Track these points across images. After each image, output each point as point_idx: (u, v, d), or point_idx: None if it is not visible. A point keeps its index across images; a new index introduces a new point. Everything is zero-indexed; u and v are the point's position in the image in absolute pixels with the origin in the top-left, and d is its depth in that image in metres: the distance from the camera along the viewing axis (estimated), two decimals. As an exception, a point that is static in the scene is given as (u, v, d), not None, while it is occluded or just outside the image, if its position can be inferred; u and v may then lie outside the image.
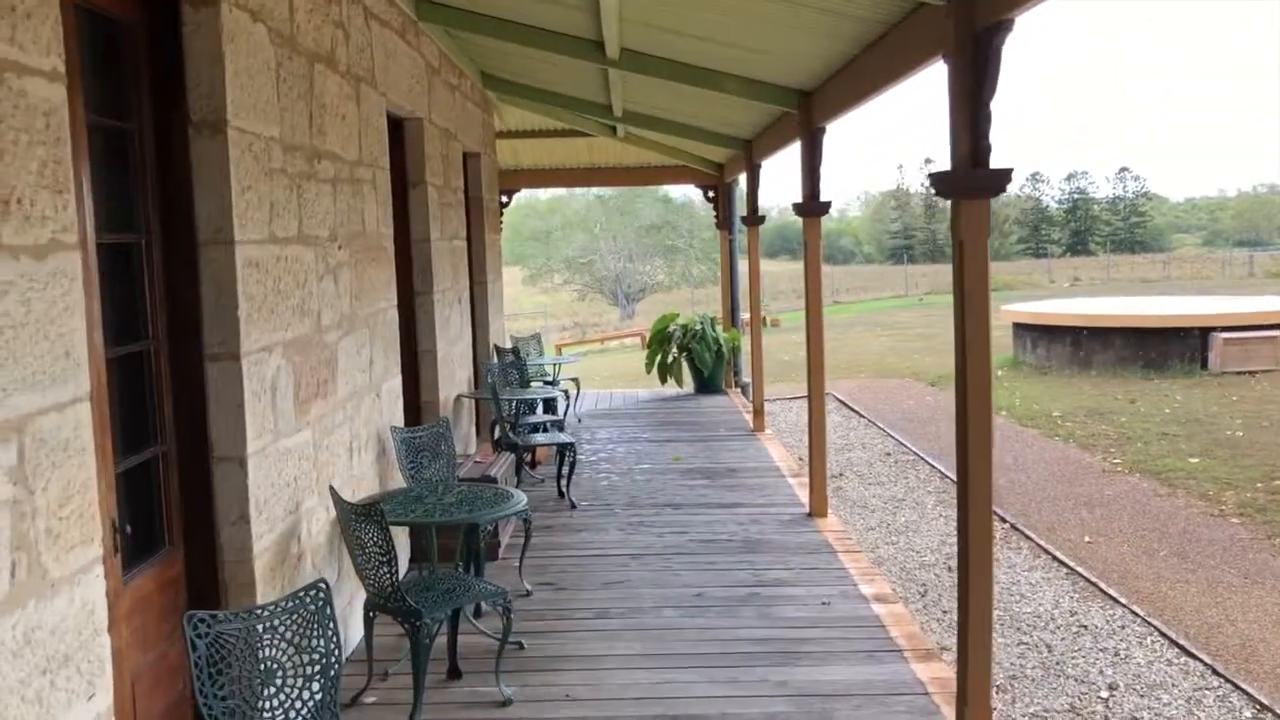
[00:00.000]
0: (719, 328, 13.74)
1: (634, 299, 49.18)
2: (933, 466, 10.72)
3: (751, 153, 10.38)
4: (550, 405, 9.74)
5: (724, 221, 13.93)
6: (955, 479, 9.68)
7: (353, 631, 5.10)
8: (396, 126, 7.37)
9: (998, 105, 3.94)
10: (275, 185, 4.28)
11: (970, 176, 4.00)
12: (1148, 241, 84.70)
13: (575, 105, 10.59)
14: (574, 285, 50.38)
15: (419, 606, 4.26)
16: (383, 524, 4.17)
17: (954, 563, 7.88)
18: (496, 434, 8.39)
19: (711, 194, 13.96)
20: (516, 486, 7.65)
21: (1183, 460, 10.54)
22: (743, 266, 14.36)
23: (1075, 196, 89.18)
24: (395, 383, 6.30)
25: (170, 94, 3.76)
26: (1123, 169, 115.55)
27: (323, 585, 3.17)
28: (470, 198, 10.18)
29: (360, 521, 4.26)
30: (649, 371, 13.62)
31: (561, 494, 8.01)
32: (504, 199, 13.88)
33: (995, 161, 4.02)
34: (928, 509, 9.16)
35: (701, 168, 13.57)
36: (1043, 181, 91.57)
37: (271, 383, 4.16)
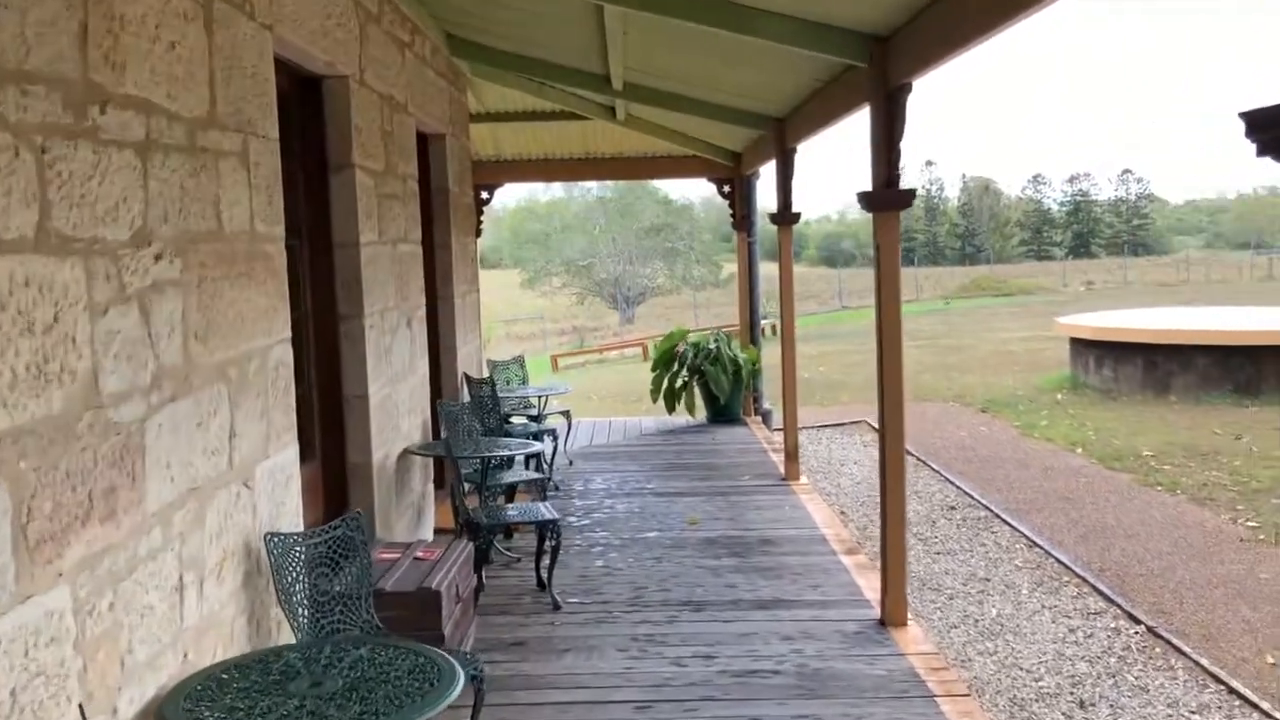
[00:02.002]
0: (736, 346, 11.69)
1: (634, 302, 47.78)
2: (1014, 529, 8.66)
3: (784, 134, 8.34)
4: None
5: (741, 221, 11.87)
6: (1045, 546, 7.57)
7: None
8: (309, 85, 5.33)
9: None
10: (-38, 142, 2.24)
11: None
12: (1150, 243, 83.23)
13: (564, 76, 8.56)
14: (573, 288, 48.87)
15: None
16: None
17: (1086, 693, 5.81)
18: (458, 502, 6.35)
19: (727, 189, 11.90)
20: (478, 590, 5.59)
21: (1343, 524, 8.41)
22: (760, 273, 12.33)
23: (1077, 198, 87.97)
24: (286, 457, 4.24)
25: None
26: (1125, 170, 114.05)
27: None
28: (432, 190, 8.14)
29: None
30: (655, 399, 11.57)
31: (542, 584, 5.96)
32: (484, 195, 11.83)
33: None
34: (1022, 595, 7.09)
35: (715, 158, 11.52)
36: (1044, 183, 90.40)
37: (-63, 527, 2.11)
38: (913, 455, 11.95)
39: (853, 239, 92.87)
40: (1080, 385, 16.14)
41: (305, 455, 5.28)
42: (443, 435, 6.02)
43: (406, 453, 6.25)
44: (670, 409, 11.43)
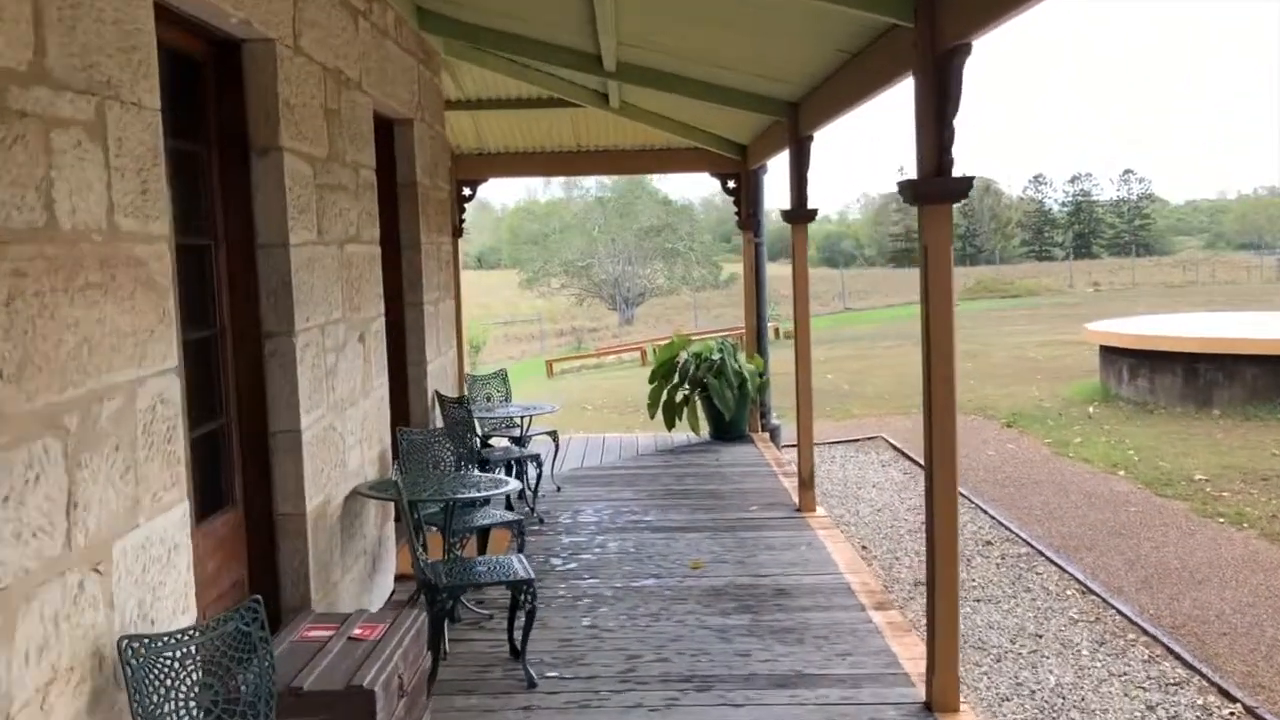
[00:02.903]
0: (741, 356, 10.70)
1: (633, 303, 47.00)
2: (1063, 570, 7.61)
3: (798, 120, 7.36)
4: (513, 479, 6.68)
5: (747, 219, 10.88)
6: (1102, 593, 6.60)
7: None
8: (228, 50, 4.35)
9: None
10: None
11: None
12: (1151, 244, 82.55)
13: (550, 55, 7.58)
14: (572, 289, 48.07)
15: None
16: None
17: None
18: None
19: (732, 184, 10.91)
20: (436, 663, 4.61)
21: None
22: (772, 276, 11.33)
23: (1079, 199, 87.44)
24: (167, 524, 3.26)
25: None
26: (1127, 171, 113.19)
27: None
28: (398, 183, 7.17)
29: None
30: (652, 415, 10.58)
31: (516, 653, 4.97)
32: (466, 191, 10.86)
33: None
34: (1083, 657, 6.05)
35: (719, 150, 10.54)
36: (1045, 184, 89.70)
37: None
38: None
39: (853, 240, 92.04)
40: (1112, 397, 15.04)
41: (220, 506, 4.33)
42: (393, 474, 5.01)
43: (355, 496, 5.26)
44: (670, 425, 10.45)
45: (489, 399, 8.70)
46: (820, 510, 7.73)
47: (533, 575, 4.77)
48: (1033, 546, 8.21)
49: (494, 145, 10.82)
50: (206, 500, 4.29)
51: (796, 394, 7.77)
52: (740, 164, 10.69)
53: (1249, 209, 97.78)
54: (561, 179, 54.44)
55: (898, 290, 49.09)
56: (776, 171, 9.51)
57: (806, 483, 7.69)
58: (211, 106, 4.33)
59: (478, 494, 5.11)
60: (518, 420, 8.27)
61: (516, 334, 43.04)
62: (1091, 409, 14.29)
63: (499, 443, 8.54)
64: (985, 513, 9.28)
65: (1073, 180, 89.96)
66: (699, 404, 10.45)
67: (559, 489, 8.54)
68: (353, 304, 5.39)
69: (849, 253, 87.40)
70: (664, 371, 10.50)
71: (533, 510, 7.67)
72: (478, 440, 7.40)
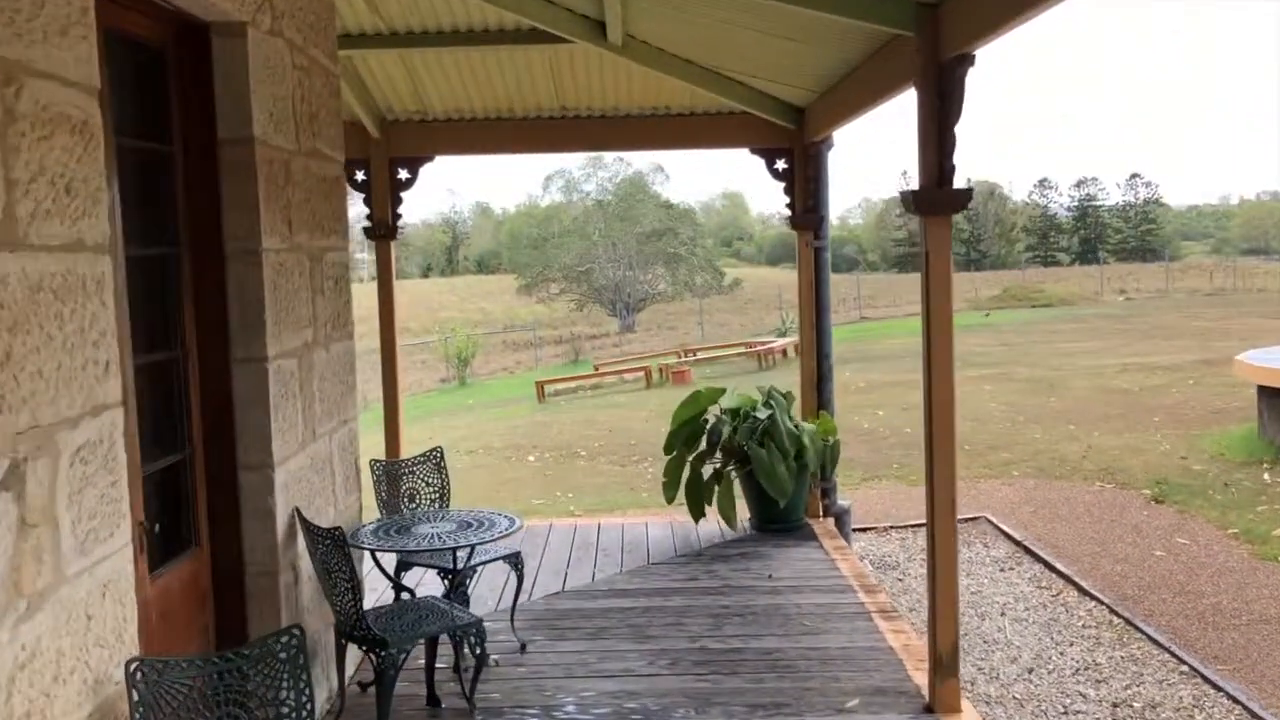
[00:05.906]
0: (795, 411, 7.48)
1: (634, 309, 44.56)
2: None
3: (939, 31, 4.17)
4: None
5: (805, 214, 7.65)
6: None
7: None
8: None
9: None
10: None
11: None
12: (1158, 249, 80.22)
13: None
14: (571, 295, 45.73)
15: None
16: None
17: None
18: None
19: (782, 164, 7.67)
20: None
21: None
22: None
23: (1084, 204, 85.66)
24: None
25: None
26: (1134, 175, 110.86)
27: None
28: (219, 141, 3.97)
29: None
30: (670, 498, 7.36)
31: None
32: (403, 174, 7.66)
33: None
34: None
35: (765, 114, 7.35)
36: (1051, 188, 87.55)
37: None
38: (1093, 598, 7.34)
39: (855, 244, 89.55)
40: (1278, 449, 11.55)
41: None
42: None
43: None
44: (698, 514, 7.19)
45: (413, 499, 5.45)
46: (966, 707, 4.50)
47: None
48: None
49: (440, 107, 7.56)
50: None
51: (929, 486, 4.55)
52: (794, 135, 7.48)
53: (1254, 213, 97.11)
54: (561, 181, 51.57)
55: (908, 297, 45.84)
56: (845, 144, 6.23)
57: (947, 665, 4.45)
58: None
59: None
60: (457, 546, 4.96)
61: (514, 341, 40.38)
62: (1266, 474, 10.87)
63: (418, 583, 5.32)
64: (1222, 692, 5.84)
65: (1078, 185, 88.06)
66: (737, 482, 7.23)
67: (523, 648, 5.28)
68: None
69: (852, 258, 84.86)
70: (686, 435, 7.25)
71: (472, 710, 4.45)
72: (372, 591, 4.21)
